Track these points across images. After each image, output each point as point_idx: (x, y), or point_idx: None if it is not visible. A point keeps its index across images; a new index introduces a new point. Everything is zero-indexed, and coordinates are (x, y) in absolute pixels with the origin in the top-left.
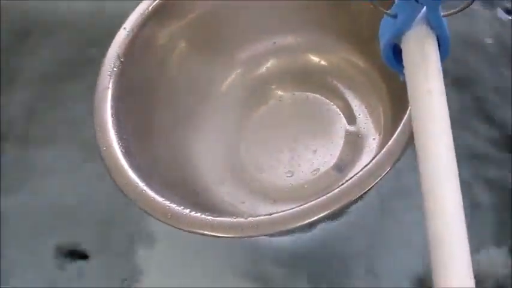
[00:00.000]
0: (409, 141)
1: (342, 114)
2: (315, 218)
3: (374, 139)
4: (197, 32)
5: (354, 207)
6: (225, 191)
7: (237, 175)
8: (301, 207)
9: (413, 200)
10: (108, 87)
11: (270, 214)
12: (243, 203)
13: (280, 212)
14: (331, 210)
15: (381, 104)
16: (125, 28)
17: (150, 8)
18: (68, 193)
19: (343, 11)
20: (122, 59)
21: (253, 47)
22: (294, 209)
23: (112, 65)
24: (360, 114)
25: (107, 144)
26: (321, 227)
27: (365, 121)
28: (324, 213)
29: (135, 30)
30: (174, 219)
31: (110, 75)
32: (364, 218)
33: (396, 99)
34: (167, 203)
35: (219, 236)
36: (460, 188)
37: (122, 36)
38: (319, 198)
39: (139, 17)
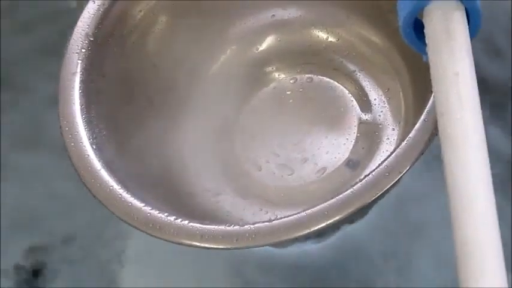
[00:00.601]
0: (434, 132)
1: (354, 100)
2: (322, 225)
3: (393, 129)
4: (181, 4)
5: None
6: (217, 194)
7: (231, 175)
8: (307, 212)
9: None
10: (76, 73)
11: (270, 220)
12: (238, 207)
13: (282, 218)
14: (343, 215)
15: (401, 88)
16: (94, 1)
17: None
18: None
19: None
20: (91, 38)
21: (248, 21)
22: (298, 215)
23: (80, 46)
24: (376, 101)
25: (74, 140)
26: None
27: (382, 109)
28: (334, 219)
29: (106, 4)
30: (157, 228)
31: (77, 59)
32: (381, 222)
33: (419, 83)
34: (148, 209)
35: (209, 248)
36: (492, 187)
37: (90, 10)
38: (328, 201)
39: None
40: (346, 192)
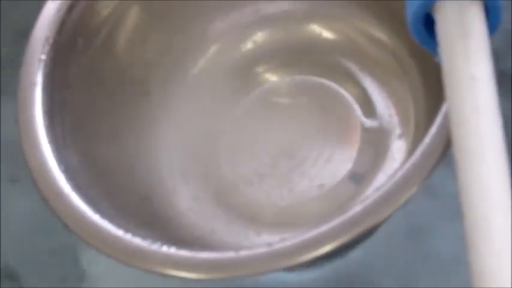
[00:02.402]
0: (450, 141)
1: (356, 104)
2: (331, 247)
3: (401, 137)
4: None
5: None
6: (200, 215)
7: (216, 193)
8: (313, 232)
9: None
10: (36, 83)
11: (269, 244)
12: (230, 231)
13: (283, 241)
14: (350, 236)
15: (410, 90)
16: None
17: None
18: None
19: None
20: (51, 41)
21: (233, 15)
22: (302, 236)
23: (40, 52)
24: (381, 104)
25: (39, 162)
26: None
27: (389, 114)
28: (343, 240)
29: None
30: (139, 258)
31: (37, 67)
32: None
33: (431, 84)
34: (129, 236)
35: (203, 279)
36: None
37: (50, 10)
38: (336, 218)
39: None
40: (356, 208)
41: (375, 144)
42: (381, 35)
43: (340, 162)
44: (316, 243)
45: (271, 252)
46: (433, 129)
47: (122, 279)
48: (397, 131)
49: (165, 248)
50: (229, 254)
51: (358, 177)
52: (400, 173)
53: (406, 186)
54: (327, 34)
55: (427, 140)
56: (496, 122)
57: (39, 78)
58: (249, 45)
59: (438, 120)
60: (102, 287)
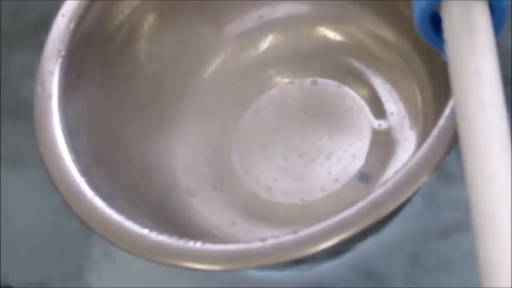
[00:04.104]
0: (455, 138)
1: (365, 105)
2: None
3: (411, 133)
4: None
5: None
6: (215, 217)
7: (230, 195)
8: (336, 218)
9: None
10: (52, 95)
11: (295, 231)
12: (248, 233)
13: (307, 229)
14: (373, 219)
15: (418, 87)
16: (62, 15)
17: None
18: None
19: None
20: (63, 53)
21: (245, 19)
22: (328, 222)
23: (53, 64)
24: (390, 105)
25: (60, 170)
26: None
27: (398, 114)
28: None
29: (78, 16)
30: (167, 255)
31: (50, 79)
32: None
33: (438, 80)
34: (154, 234)
35: (232, 270)
36: None
37: (61, 25)
38: (341, 212)
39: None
40: (377, 192)
41: (384, 145)
42: (387, 34)
43: (351, 162)
44: (341, 228)
45: (297, 239)
46: (435, 131)
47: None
48: (407, 127)
49: (191, 243)
50: (256, 244)
51: (368, 177)
52: (399, 174)
53: (405, 186)
54: (335, 36)
55: (428, 140)
56: (502, 116)
57: (54, 91)
58: (260, 48)
59: (440, 122)
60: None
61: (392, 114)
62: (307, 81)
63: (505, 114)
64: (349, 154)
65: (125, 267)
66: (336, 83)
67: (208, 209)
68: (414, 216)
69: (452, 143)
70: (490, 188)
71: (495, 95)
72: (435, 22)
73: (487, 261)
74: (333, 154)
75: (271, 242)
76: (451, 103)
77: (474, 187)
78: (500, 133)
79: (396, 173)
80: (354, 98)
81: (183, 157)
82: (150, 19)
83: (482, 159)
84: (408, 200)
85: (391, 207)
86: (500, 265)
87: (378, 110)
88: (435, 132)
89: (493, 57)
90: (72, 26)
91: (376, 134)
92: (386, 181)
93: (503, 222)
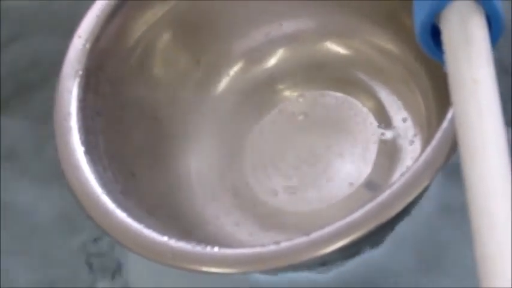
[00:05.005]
0: (455, 144)
1: (372, 115)
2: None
3: (415, 140)
4: (184, 19)
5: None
6: (228, 222)
7: (244, 206)
8: (346, 220)
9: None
10: (70, 113)
11: (307, 233)
12: (256, 238)
13: (319, 231)
14: (381, 221)
15: (421, 95)
16: (79, 36)
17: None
18: None
19: None
20: (80, 72)
21: (255, 35)
22: (338, 224)
23: (71, 83)
24: (395, 115)
25: (81, 184)
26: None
27: (403, 123)
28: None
29: (94, 36)
30: (186, 260)
31: (68, 98)
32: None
33: (442, 93)
34: (173, 241)
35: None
36: None
37: (77, 46)
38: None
39: (97, 20)
40: (385, 193)
41: (390, 153)
42: (390, 46)
43: (358, 171)
44: (351, 228)
45: (310, 241)
46: (436, 138)
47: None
48: (411, 135)
49: (209, 249)
50: (271, 247)
51: (375, 185)
52: (400, 180)
53: (406, 192)
54: (340, 50)
55: (428, 148)
56: (498, 122)
57: (72, 109)
58: (269, 63)
59: (441, 129)
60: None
61: (397, 123)
62: (315, 94)
63: (501, 119)
64: (357, 163)
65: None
66: (343, 95)
67: (222, 218)
68: None
69: (455, 145)
70: (487, 189)
71: (492, 102)
72: (435, 34)
73: (484, 258)
74: (340, 164)
75: (285, 244)
76: (449, 116)
77: (472, 189)
78: (496, 137)
79: (402, 174)
80: (360, 108)
81: (197, 169)
82: (164, 38)
83: (480, 162)
84: (415, 201)
85: (399, 208)
86: (497, 261)
87: (384, 119)
88: (439, 134)
89: (490, 66)
90: (88, 46)
91: (383, 143)
92: (394, 183)
93: (500, 221)
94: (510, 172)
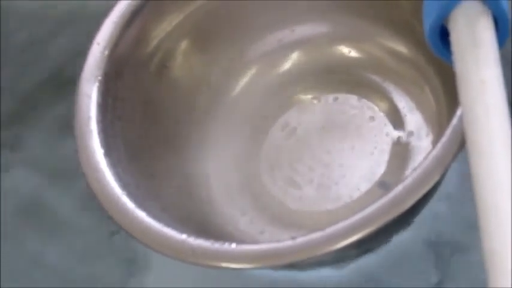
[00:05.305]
0: (464, 141)
1: (385, 117)
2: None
3: (428, 145)
4: (200, 26)
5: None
6: (244, 222)
7: (258, 202)
8: (360, 215)
9: None
10: (90, 117)
11: (323, 229)
12: (271, 237)
13: (334, 226)
14: (394, 214)
15: (432, 96)
16: (98, 43)
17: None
18: None
19: None
20: (99, 78)
21: (268, 41)
22: (352, 219)
23: (90, 89)
24: (408, 116)
25: (102, 185)
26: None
27: (416, 123)
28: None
29: (112, 43)
30: (206, 257)
31: (89, 102)
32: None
33: (453, 93)
34: (192, 239)
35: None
36: None
37: (96, 53)
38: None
39: (115, 26)
40: (398, 189)
41: (403, 153)
42: (401, 49)
43: (371, 172)
44: (365, 223)
45: (325, 236)
46: (445, 137)
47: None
48: (424, 134)
49: (227, 245)
50: (288, 242)
51: (387, 185)
52: (409, 178)
53: (414, 190)
54: (354, 54)
55: (437, 146)
56: (505, 120)
57: (92, 114)
58: (282, 67)
59: (450, 128)
60: None
61: (410, 123)
62: (329, 96)
63: (508, 118)
64: (371, 164)
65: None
66: (356, 97)
67: (239, 218)
68: None
69: (464, 141)
70: (494, 185)
71: (499, 101)
72: (444, 35)
73: (491, 252)
74: (355, 164)
75: (301, 239)
76: (457, 116)
77: (480, 186)
78: (503, 135)
79: (414, 170)
80: (373, 110)
81: (214, 170)
82: (181, 44)
83: (486, 159)
84: (427, 197)
85: (410, 202)
86: (505, 257)
87: (397, 120)
88: (449, 131)
89: (497, 66)
90: (107, 52)
91: (396, 143)
92: (405, 178)
93: (507, 216)
94: None
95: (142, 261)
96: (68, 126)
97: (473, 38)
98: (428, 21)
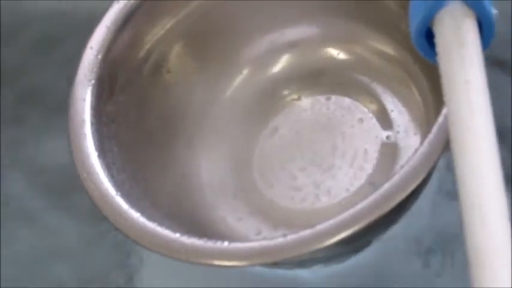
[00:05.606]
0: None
1: (375, 117)
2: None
3: (415, 144)
4: (194, 29)
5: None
6: (236, 221)
7: (250, 201)
8: (349, 212)
9: None
10: (84, 120)
11: (312, 226)
12: (259, 233)
13: (324, 223)
14: (383, 211)
15: (420, 95)
16: (91, 48)
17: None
18: None
19: None
20: (93, 81)
21: (259, 43)
22: (342, 216)
23: (84, 92)
24: (397, 116)
25: (97, 187)
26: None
27: (404, 123)
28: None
29: (105, 47)
30: (199, 255)
31: (82, 106)
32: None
33: (440, 92)
34: (185, 237)
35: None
36: (505, 194)
37: (90, 56)
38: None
39: (108, 31)
40: (385, 186)
41: (391, 152)
42: (389, 50)
43: (361, 171)
44: (354, 219)
45: (315, 233)
46: (430, 136)
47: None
48: (412, 134)
49: (219, 243)
50: (279, 240)
51: (377, 185)
52: (396, 176)
53: (399, 189)
54: (342, 55)
55: (423, 145)
56: (488, 120)
57: (86, 116)
58: (274, 69)
59: (435, 127)
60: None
61: (398, 123)
62: (319, 98)
63: (491, 118)
64: (360, 163)
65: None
66: (346, 98)
67: (231, 217)
68: None
69: (445, 147)
70: (478, 184)
71: (483, 101)
72: (430, 37)
73: (475, 249)
74: (345, 164)
75: (291, 237)
76: (442, 115)
77: (464, 184)
78: (487, 135)
79: (401, 167)
80: (362, 111)
81: (207, 171)
82: (174, 48)
83: (471, 158)
84: (414, 194)
85: (398, 199)
86: (488, 254)
87: (385, 120)
88: (435, 129)
89: (481, 67)
90: (100, 56)
91: (384, 143)
92: (393, 175)
93: (490, 214)
94: (500, 168)
95: (136, 259)
96: None
97: (458, 39)
98: (414, 23)
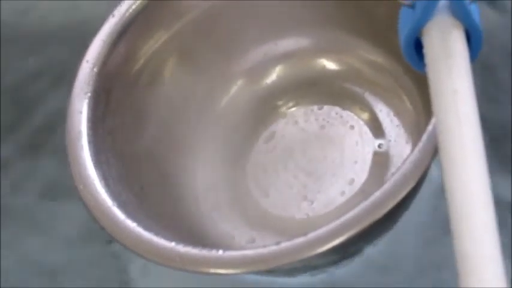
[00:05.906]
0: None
1: (366, 127)
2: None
3: (407, 151)
4: (188, 41)
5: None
6: (230, 229)
7: (244, 210)
8: (341, 220)
9: None
10: (81, 132)
11: (305, 234)
12: (253, 242)
13: (316, 231)
14: (375, 218)
15: (411, 104)
16: (87, 61)
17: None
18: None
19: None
20: (89, 94)
21: (253, 54)
22: (333, 224)
23: (81, 105)
24: (389, 125)
25: (94, 197)
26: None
27: (395, 132)
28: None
29: (101, 61)
30: (194, 263)
31: (80, 117)
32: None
33: (428, 96)
34: (181, 246)
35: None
36: (492, 203)
37: (86, 70)
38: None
39: (103, 44)
40: (376, 194)
41: (384, 161)
42: (380, 60)
43: (354, 179)
44: (347, 227)
45: (308, 241)
46: (420, 144)
47: None
48: (403, 142)
49: (214, 251)
50: (272, 247)
51: (369, 194)
52: (385, 186)
53: (389, 197)
54: (334, 65)
55: (412, 154)
56: (476, 129)
57: (83, 128)
58: (267, 80)
59: (424, 136)
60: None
61: (390, 132)
62: (312, 107)
63: (479, 127)
64: (353, 171)
65: None
66: (338, 108)
67: (225, 226)
68: None
69: (434, 156)
70: (466, 194)
71: (470, 110)
72: (419, 48)
73: (464, 256)
74: (337, 173)
75: (285, 244)
76: (431, 125)
77: (452, 192)
78: (474, 143)
79: (392, 175)
80: (355, 120)
81: (202, 180)
82: (169, 61)
83: (459, 167)
84: (406, 201)
85: (389, 206)
86: (475, 261)
87: (377, 129)
88: (425, 137)
89: (468, 77)
90: (96, 70)
91: (376, 151)
92: (384, 182)
93: (478, 222)
94: (487, 176)
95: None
96: None
97: (446, 49)
98: (403, 34)
